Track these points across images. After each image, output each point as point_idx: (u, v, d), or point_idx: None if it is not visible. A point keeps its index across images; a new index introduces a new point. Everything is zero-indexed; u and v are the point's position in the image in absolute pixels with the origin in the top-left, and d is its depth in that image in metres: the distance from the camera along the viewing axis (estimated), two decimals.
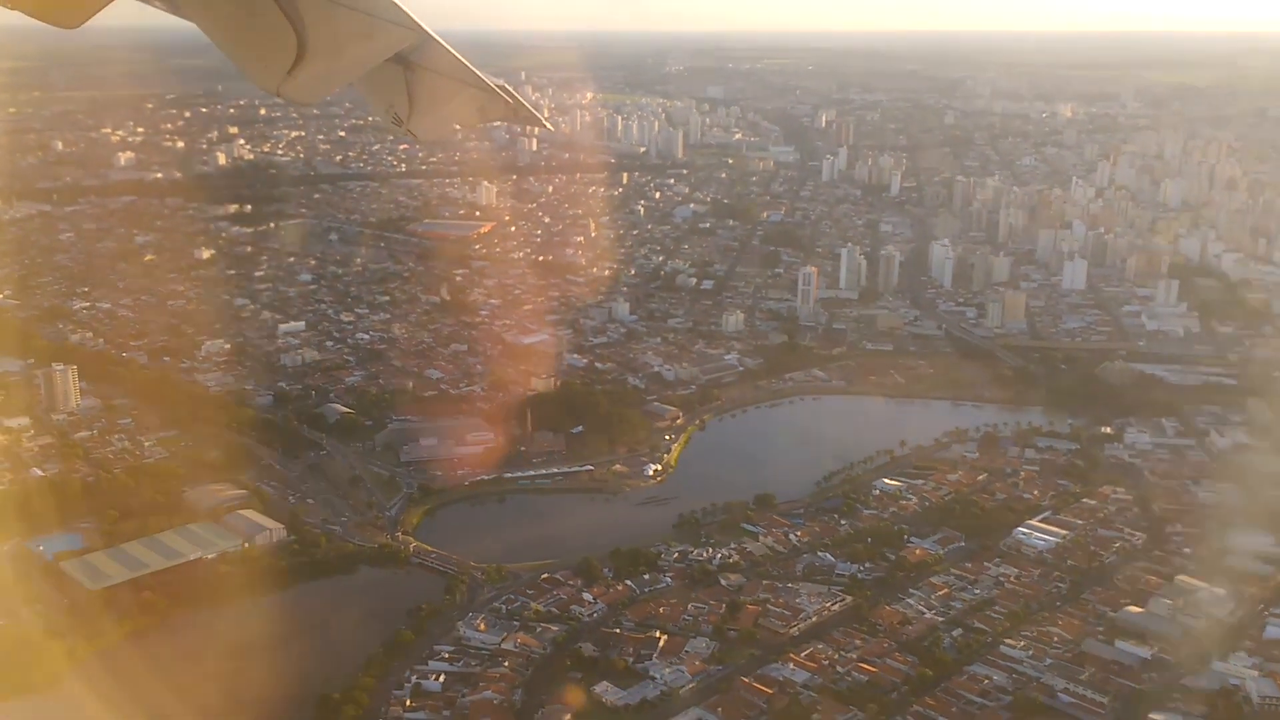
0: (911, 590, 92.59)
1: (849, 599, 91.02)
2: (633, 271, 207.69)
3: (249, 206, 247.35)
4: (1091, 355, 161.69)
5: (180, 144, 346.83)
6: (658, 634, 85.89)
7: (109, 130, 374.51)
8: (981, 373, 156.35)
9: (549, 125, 10.27)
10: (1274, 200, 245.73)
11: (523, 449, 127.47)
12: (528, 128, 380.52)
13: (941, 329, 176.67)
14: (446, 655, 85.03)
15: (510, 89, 9.54)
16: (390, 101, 9.16)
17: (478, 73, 9.04)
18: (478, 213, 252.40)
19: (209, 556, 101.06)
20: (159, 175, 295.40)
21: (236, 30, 7.58)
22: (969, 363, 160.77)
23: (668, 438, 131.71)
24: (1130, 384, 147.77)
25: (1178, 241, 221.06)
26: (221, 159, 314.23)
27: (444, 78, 9.00)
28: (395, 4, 7.66)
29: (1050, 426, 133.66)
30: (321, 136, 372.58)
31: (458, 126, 10.19)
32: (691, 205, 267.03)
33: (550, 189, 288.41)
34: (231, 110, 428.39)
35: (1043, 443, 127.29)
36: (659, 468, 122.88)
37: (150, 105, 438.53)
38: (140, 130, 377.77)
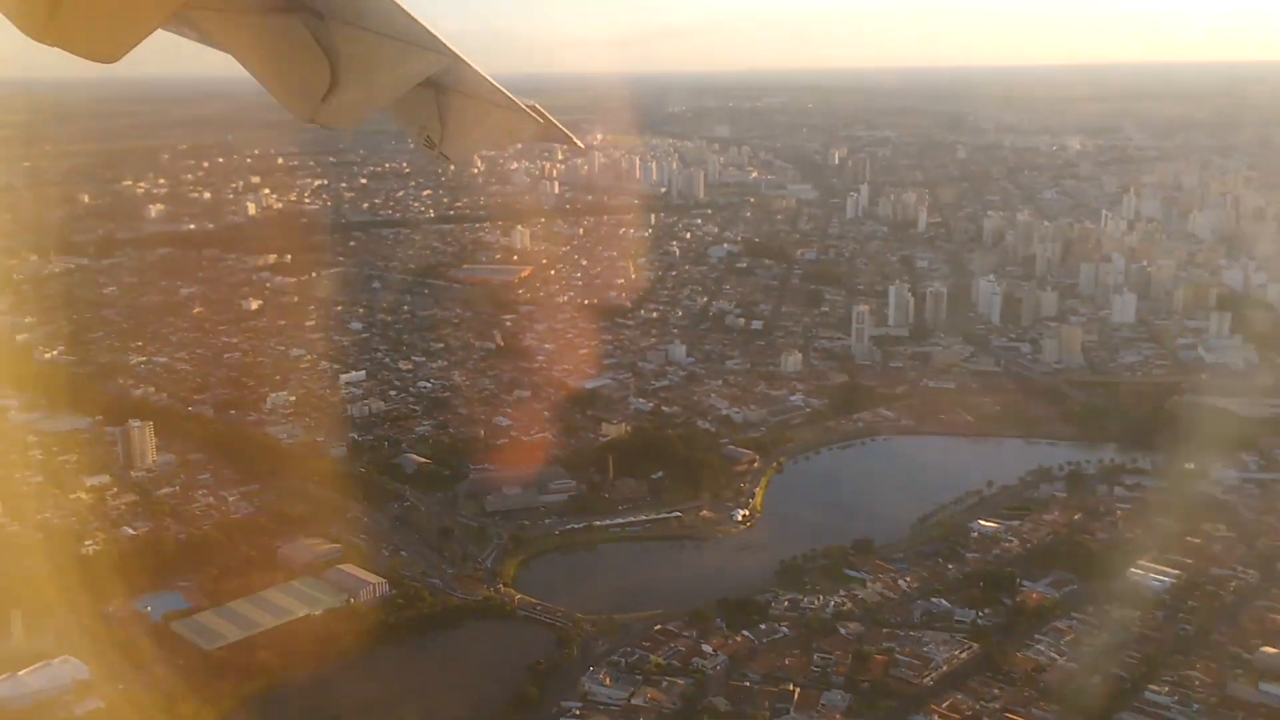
0: (1037, 636, 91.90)
1: (975, 646, 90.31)
2: (680, 313, 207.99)
3: (288, 256, 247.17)
4: (1156, 389, 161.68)
5: (207, 195, 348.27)
6: (791, 687, 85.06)
7: (131, 182, 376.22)
8: (1049, 409, 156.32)
9: (580, 144, 10.24)
10: None
11: (605, 496, 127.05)
12: (550, 168, 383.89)
13: (1000, 365, 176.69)
14: (577, 711, 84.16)
15: (541, 109, 9.66)
16: (423, 124, 9.28)
17: (509, 94, 9.16)
18: (515, 257, 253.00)
19: (316, 613, 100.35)
20: (192, 226, 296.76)
21: (270, 59, 7.67)
22: (1034, 399, 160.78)
23: (744, 483, 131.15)
24: (1201, 418, 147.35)
25: (1220, 273, 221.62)
26: (251, 209, 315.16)
27: (476, 100, 9.12)
28: (427, 29, 7.72)
29: (1131, 463, 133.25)
30: (344, 184, 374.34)
31: (491, 147, 10.39)
32: (725, 245, 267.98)
33: (581, 231, 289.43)
34: (249, 160, 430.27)
35: (1129, 480, 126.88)
36: (746, 513, 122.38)
37: (166, 156, 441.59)
38: (162, 182, 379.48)
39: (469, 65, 8.46)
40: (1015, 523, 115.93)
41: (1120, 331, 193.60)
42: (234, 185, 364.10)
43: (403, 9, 7.54)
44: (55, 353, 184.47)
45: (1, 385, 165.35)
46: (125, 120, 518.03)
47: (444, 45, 7.95)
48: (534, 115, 9.54)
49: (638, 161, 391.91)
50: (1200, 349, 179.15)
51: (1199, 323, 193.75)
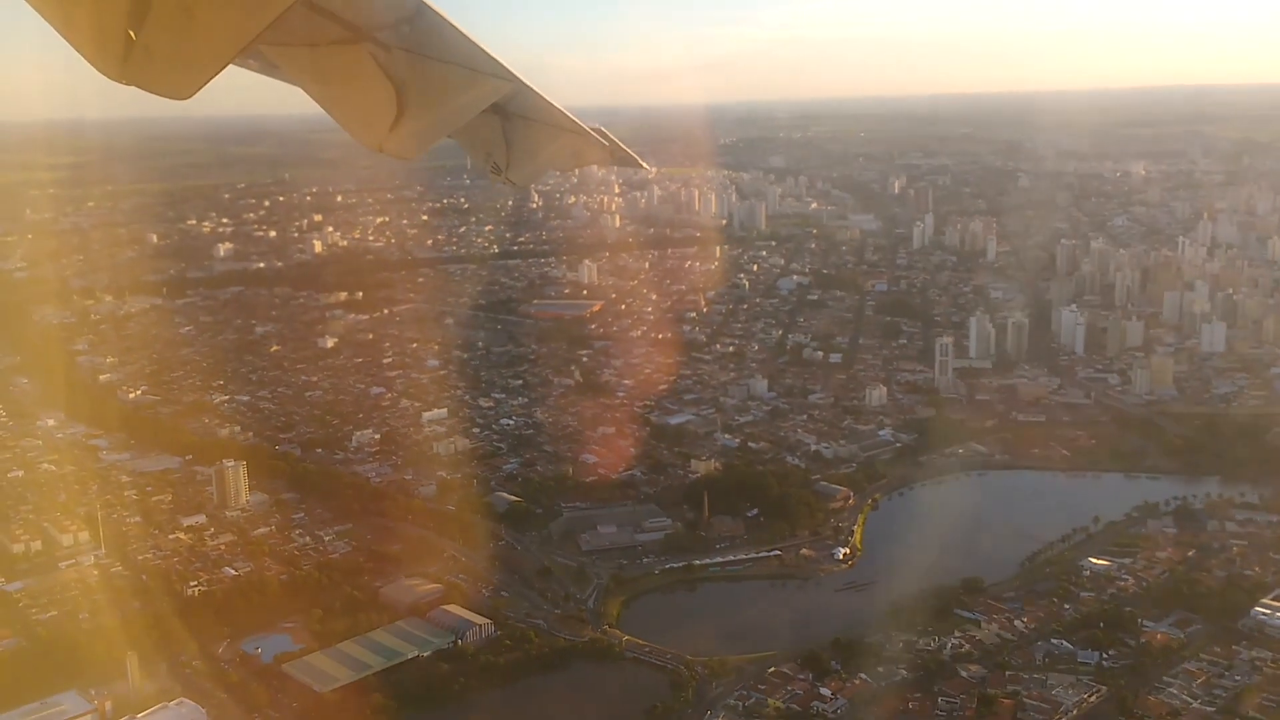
0: (1165, 679, 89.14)
1: (1103, 689, 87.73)
2: (756, 346, 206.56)
3: (359, 294, 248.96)
4: (1255, 421, 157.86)
5: (272, 233, 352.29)
6: None
7: (195, 221, 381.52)
8: (1146, 442, 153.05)
9: (646, 167, 9.69)
10: None
11: (701, 534, 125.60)
12: (608, 202, 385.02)
13: (1089, 397, 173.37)
14: None
15: (606, 132, 9.62)
16: (488, 151, 9.33)
17: (574, 118, 9.17)
18: (585, 291, 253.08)
19: (424, 654, 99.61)
20: (261, 265, 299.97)
21: (337, 90, 7.72)
22: (1129, 432, 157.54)
23: (840, 521, 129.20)
24: None
25: None
26: (318, 246, 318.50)
27: (541, 124, 9.18)
28: (491, 56, 7.75)
29: (1239, 497, 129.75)
30: (405, 220, 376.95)
31: (557, 170, 10.30)
32: (794, 277, 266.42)
33: (647, 265, 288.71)
34: (308, 198, 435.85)
35: (1240, 515, 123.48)
36: (846, 551, 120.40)
37: (227, 195, 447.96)
38: (226, 220, 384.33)
39: (534, 90, 8.53)
40: (1127, 560, 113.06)
41: (1210, 361, 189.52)
42: (297, 223, 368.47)
43: (467, 36, 7.57)
44: (139, 392, 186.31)
45: (90, 425, 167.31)
46: (180, 159, 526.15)
47: (509, 71, 8.01)
48: (599, 139, 9.57)
49: (696, 194, 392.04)
50: None
51: None
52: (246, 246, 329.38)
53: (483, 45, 7.68)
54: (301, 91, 7.91)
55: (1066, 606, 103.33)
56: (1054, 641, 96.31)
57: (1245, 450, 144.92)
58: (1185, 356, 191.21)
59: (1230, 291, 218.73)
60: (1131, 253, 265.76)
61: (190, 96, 6.41)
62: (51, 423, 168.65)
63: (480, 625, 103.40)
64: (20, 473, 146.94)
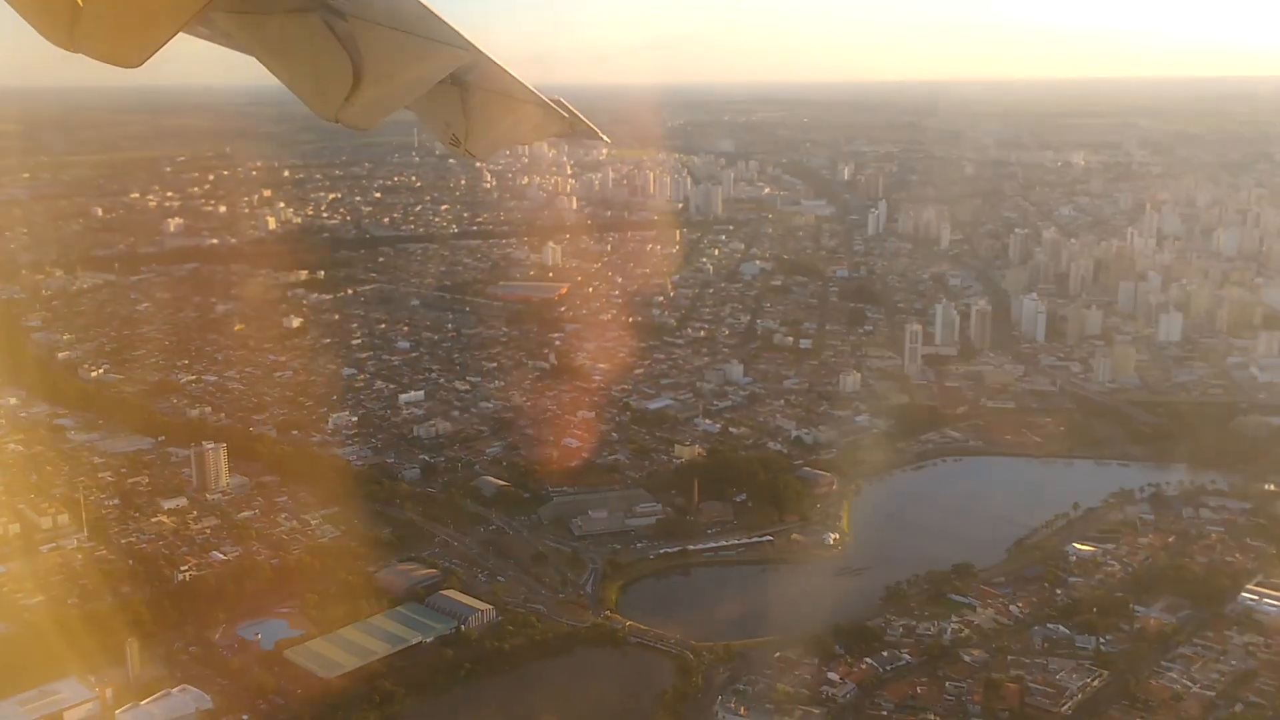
0: (1163, 663, 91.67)
1: (1104, 673, 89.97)
2: (726, 331, 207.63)
3: (321, 273, 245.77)
4: (1217, 409, 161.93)
5: (222, 208, 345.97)
6: (933, 717, 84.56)
7: (138, 195, 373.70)
8: (1114, 430, 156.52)
9: (606, 139, 10.47)
10: None
11: (690, 519, 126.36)
12: (562, 183, 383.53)
13: (1055, 385, 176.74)
14: None
15: (566, 103, 9.54)
16: (447, 122, 9.21)
17: (533, 89, 9.10)
18: (551, 274, 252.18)
19: (428, 640, 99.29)
20: (214, 241, 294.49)
21: (292, 59, 7.63)
22: (1097, 420, 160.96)
23: (826, 506, 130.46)
24: (1268, 438, 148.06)
25: (1259, 291, 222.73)
26: (271, 223, 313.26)
27: (500, 95, 9.07)
28: (449, 25, 7.72)
29: (1211, 484, 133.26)
30: (359, 198, 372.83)
31: (517, 143, 10.35)
32: (757, 262, 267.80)
33: (609, 248, 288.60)
34: (253, 172, 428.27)
35: (1213, 502, 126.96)
36: (836, 536, 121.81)
37: (168, 169, 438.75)
38: (171, 194, 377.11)
39: (492, 61, 8.45)
40: (1110, 546, 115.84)
41: (1167, 350, 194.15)
42: (246, 199, 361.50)
43: (424, 5, 7.50)
44: (101, 371, 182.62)
45: (53, 404, 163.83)
46: (115, 130, 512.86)
47: (467, 41, 7.93)
48: (559, 110, 9.45)
49: (651, 177, 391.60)
50: (1253, 368, 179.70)
51: (1244, 341, 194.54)
52: (197, 222, 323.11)
53: (440, 15, 7.63)
54: (241, 62, 7.85)
55: (1058, 592, 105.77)
56: (1050, 626, 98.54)
57: (1210, 438, 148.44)
58: (1143, 345, 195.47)
59: (1184, 282, 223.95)
60: (1082, 242, 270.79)
61: (140, 64, 6.43)
62: (14, 401, 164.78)
63: (482, 611, 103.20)
64: None
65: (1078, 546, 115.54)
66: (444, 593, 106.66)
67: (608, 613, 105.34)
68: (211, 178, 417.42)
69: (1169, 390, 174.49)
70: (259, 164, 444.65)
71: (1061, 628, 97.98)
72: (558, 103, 9.47)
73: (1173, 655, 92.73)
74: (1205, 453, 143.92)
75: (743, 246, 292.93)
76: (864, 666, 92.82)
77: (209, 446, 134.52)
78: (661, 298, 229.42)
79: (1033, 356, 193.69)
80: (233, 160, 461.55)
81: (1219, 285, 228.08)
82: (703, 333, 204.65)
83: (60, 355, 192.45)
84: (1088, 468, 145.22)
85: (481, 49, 8.14)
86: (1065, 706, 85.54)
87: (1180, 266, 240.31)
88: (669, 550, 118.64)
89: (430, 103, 8.95)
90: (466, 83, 8.93)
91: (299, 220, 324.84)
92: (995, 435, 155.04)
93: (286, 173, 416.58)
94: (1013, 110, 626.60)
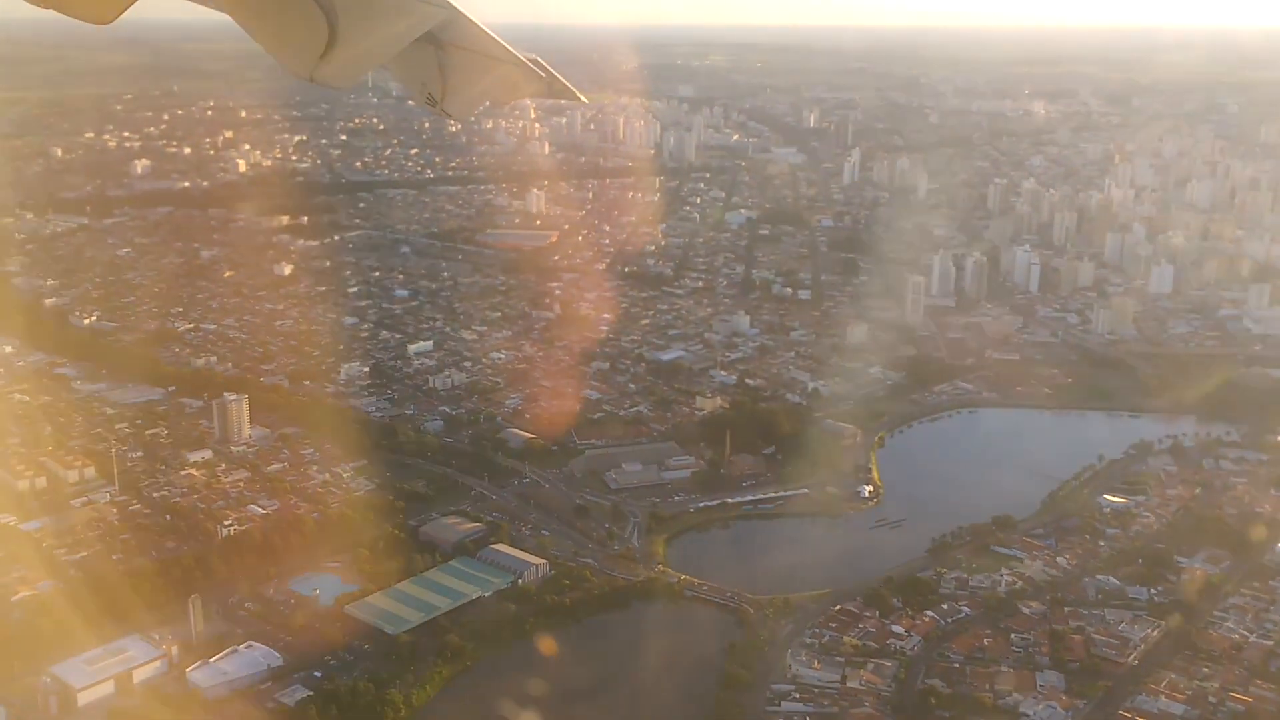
0: (1217, 613, 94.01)
1: (1163, 624, 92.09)
2: (724, 281, 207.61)
3: (304, 218, 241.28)
4: (1218, 360, 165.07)
5: (186, 150, 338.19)
6: (1002, 668, 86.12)
7: (93, 134, 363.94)
8: (1120, 381, 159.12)
9: (584, 99, 10.46)
10: None
11: (723, 472, 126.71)
12: (530, 128, 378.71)
13: (1056, 337, 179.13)
14: (798, 697, 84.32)
15: (543, 63, 9.56)
16: (423, 81, 9.20)
17: (510, 48, 9.11)
18: (538, 221, 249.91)
19: (486, 595, 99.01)
20: (186, 184, 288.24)
21: (266, 16, 7.62)
22: (1101, 371, 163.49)
23: (854, 458, 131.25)
24: (1272, 390, 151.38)
25: (1240, 244, 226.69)
26: (242, 166, 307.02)
27: (477, 55, 9.03)
28: None
29: (1227, 436, 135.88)
30: (324, 140, 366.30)
31: (494, 103, 10.30)
32: (741, 211, 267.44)
33: (590, 195, 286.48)
34: (209, 112, 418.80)
35: (1232, 454, 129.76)
36: (871, 489, 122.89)
37: (119, 107, 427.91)
38: (128, 134, 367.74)
39: (469, 20, 8.43)
40: (1140, 498, 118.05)
41: (1159, 302, 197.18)
42: (208, 140, 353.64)
43: None
44: (93, 319, 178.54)
45: (51, 353, 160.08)
46: (53, 66, 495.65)
47: None
48: (537, 70, 9.42)
49: (620, 122, 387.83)
50: (1246, 320, 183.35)
51: (1232, 293, 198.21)
52: (163, 164, 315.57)
53: None
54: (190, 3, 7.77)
55: (1101, 544, 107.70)
56: (1100, 578, 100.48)
57: (1214, 390, 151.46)
58: (1135, 297, 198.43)
59: (1169, 234, 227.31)
60: (1060, 194, 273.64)
61: (113, 20, 6.35)
62: (9, 349, 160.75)
63: (536, 565, 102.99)
64: None
65: (1109, 498, 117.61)
66: (494, 547, 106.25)
67: (660, 566, 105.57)
68: (166, 117, 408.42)
69: (1167, 342, 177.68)
70: (211, 104, 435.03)
71: (1112, 579, 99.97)
72: (535, 62, 9.37)
73: (1224, 606, 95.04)
74: (1212, 404, 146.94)
75: (723, 194, 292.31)
76: (926, 619, 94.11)
77: (231, 398, 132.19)
78: (653, 246, 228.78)
79: (1029, 308, 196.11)
80: (183, 100, 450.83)
81: (1202, 237, 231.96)
82: (701, 283, 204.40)
83: (48, 302, 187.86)
84: (1100, 419, 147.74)
85: (458, 7, 8.06)
86: (1131, 657, 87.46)
87: (1163, 219, 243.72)
88: (708, 503, 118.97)
89: (406, 61, 8.85)
90: (443, 41, 8.81)
91: (269, 163, 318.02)
92: (1005, 387, 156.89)
93: (244, 114, 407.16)
94: (959, 58, 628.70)
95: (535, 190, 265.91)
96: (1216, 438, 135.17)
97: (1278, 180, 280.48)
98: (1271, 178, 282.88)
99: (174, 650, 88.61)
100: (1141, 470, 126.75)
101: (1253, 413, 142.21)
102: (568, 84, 9.69)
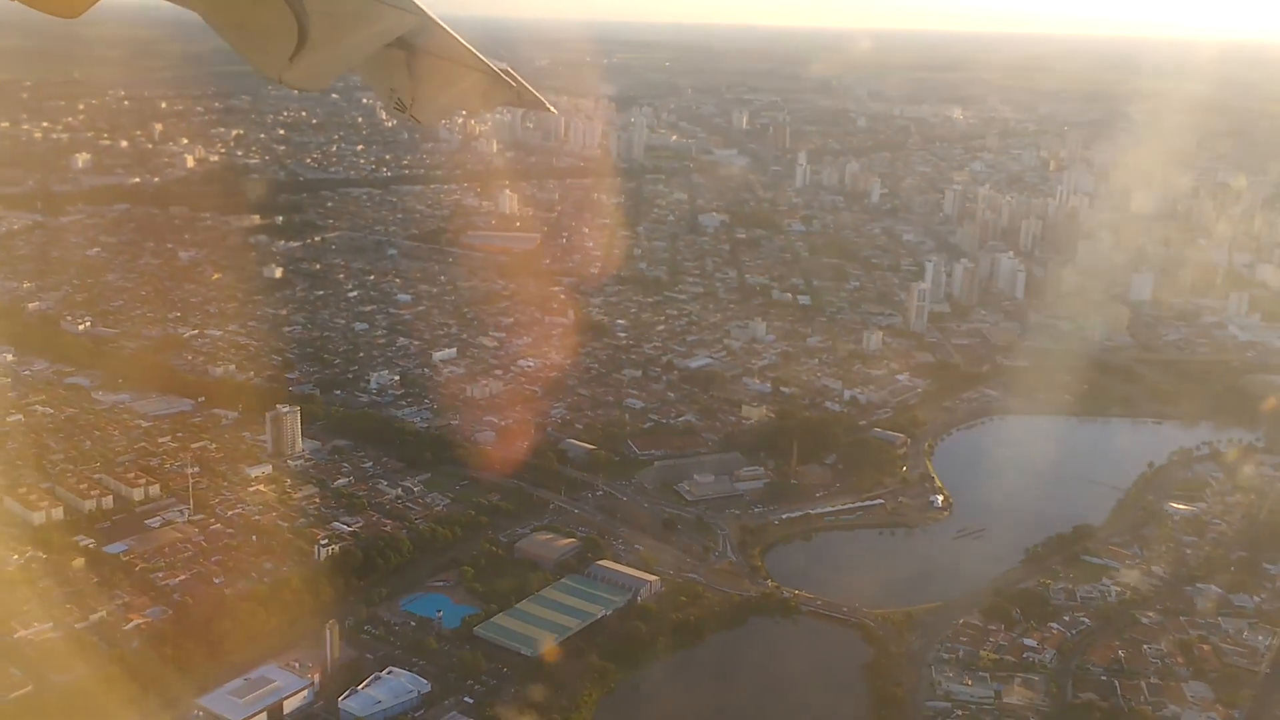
0: None
1: (1278, 631, 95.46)
2: (720, 287, 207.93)
3: (277, 218, 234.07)
4: (1219, 368, 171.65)
5: (124, 143, 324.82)
6: (1152, 680, 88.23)
7: (8, 124, 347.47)
8: (1133, 389, 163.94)
9: (553, 109, 11.56)
10: (1255, 208, 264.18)
11: (794, 482, 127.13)
12: (473, 126, 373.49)
13: (1057, 344, 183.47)
14: (959, 715, 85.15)
15: (513, 73, 9.61)
16: (393, 87, 9.26)
17: (481, 56, 9.15)
18: (517, 223, 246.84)
19: (608, 613, 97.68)
20: (136, 180, 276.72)
21: (238, 18, 7.64)
22: (1111, 378, 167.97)
23: (910, 467, 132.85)
24: (1277, 396, 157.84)
25: (1204, 251, 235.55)
26: (190, 161, 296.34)
27: (447, 62, 9.07)
28: None
29: (1257, 442, 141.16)
30: (263, 135, 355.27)
31: (464, 111, 11.80)
32: (713, 214, 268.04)
33: (556, 196, 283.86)
34: (125, 102, 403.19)
35: (1270, 460, 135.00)
36: (943, 498, 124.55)
37: (24, 95, 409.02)
38: (47, 124, 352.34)
39: (441, 26, 8.44)
40: (1202, 505, 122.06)
41: (1142, 310, 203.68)
42: (141, 133, 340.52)
43: None
44: (86, 324, 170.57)
45: (54, 362, 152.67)
46: None
47: (414, 4, 7.99)
48: (506, 79, 9.45)
49: (563, 122, 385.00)
50: (1231, 328, 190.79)
51: (1208, 301, 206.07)
52: (102, 158, 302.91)
53: None
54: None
55: (1188, 551, 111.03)
56: (1200, 585, 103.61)
57: (1224, 397, 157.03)
58: (1118, 304, 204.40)
59: (1142, 243, 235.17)
60: (1016, 200, 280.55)
61: (79, 15, 6.48)
62: (10, 357, 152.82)
63: (649, 582, 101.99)
64: (19, 417, 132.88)
65: (1174, 506, 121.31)
66: (601, 563, 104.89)
67: (770, 581, 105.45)
68: (82, 107, 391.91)
69: (1163, 349, 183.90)
70: (123, 93, 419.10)
71: (1213, 587, 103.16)
72: (505, 71, 9.44)
73: None
74: (1225, 411, 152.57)
75: (685, 196, 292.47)
76: (1054, 631, 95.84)
77: (284, 410, 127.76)
78: (638, 250, 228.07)
79: (1020, 314, 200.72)
80: (90, 88, 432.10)
81: (1164, 245, 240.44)
82: (700, 288, 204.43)
83: (30, 306, 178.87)
84: (1126, 426, 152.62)
85: (430, 13, 8.16)
86: (1262, 666, 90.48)
87: (1125, 226, 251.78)
88: (790, 515, 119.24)
89: (376, 66, 8.91)
90: (414, 47, 8.85)
91: (215, 159, 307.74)
92: (1027, 394, 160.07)
93: (163, 104, 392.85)
94: (858, 61, 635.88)
95: (507, 192, 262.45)
96: (1249, 444, 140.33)
97: (1215, 189, 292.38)
98: (1207, 187, 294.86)
99: (314, 678, 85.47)
100: (1189, 477, 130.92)
101: (1266, 419, 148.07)
102: (537, 94, 9.73)
